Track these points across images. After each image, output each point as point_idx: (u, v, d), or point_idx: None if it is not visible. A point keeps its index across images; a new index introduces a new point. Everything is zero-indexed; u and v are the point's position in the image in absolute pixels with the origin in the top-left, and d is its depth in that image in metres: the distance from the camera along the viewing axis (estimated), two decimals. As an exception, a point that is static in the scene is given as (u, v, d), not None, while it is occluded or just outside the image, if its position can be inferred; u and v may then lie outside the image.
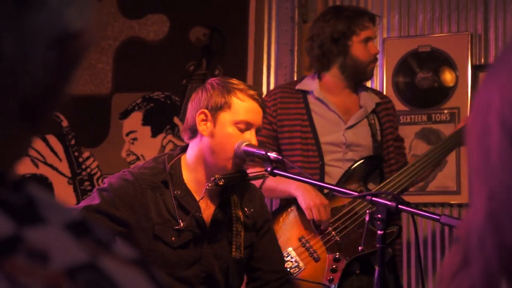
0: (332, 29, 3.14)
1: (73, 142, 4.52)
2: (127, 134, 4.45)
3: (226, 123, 2.35)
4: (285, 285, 2.53)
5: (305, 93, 3.19)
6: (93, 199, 2.30)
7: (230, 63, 4.32)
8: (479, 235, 0.70)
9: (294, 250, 2.97)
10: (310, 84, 3.20)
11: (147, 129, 4.43)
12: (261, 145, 3.05)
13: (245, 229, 2.47)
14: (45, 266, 0.47)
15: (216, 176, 2.32)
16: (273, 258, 2.55)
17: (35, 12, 0.53)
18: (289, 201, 3.08)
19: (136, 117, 4.45)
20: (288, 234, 2.91)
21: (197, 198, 2.39)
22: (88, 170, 4.48)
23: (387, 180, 3.10)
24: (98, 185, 4.45)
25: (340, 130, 3.15)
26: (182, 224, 2.35)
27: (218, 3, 4.39)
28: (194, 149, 2.41)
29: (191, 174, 2.41)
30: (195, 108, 2.39)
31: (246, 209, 2.48)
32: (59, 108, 0.58)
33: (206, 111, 2.36)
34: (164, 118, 4.40)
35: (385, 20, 4.19)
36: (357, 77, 3.18)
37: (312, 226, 3.01)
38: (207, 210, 2.43)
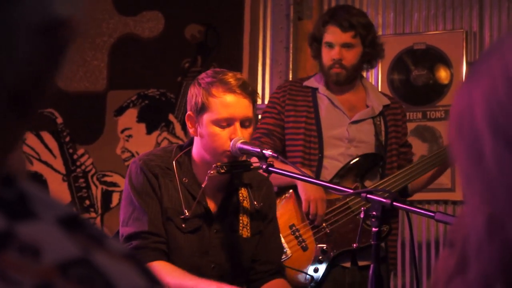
0: (311, 31, 3.28)
1: (67, 139, 4.51)
2: (122, 131, 4.44)
3: (207, 124, 2.35)
4: (275, 275, 2.54)
5: (314, 88, 3.24)
6: (139, 220, 2.37)
7: (225, 60, 4.32)
8: (477, 240, 0.69)
9: (283, 237, 2.99)
10: (317, 82, 3.24)
11: (142, 126, 4.43)
12: (256, 140, 3.09)
13: (252, 219, 2.49)
14: (37, 261, 0.47)
15: (218, 163, 2.33)
16: (272, 249, 2.56)
17: (19, 1, 0.52)
18: (286, 186, 3.10)
19: (131, 114, 4.44)
20: (280, 220, 2.92)
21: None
22: (83, 167, 4.48)
23: (384, 179, 3.11)
24: (93, 182, 4.45)
25: (344, 125, 3.18)
26: (187, 213, 2.38)
27: (213, 0, 4.39)
28: (195, 145, 2.45)
29: (197, 166, 2.44)
30: (188, 107, 2.42)
31: (255, 203, 2.50)
32: (48, 98, 0.56)
33: (191, 113, 2.39)
34: (159, 115, 4.40)
35: (380, 17, 4.19)
36: (332, 82, 3.20)
37: (305, 217, 3.04)
38: (214, 200, 2.46)
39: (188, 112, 2.40)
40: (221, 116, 2.33)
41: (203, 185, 2.39)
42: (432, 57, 4.10)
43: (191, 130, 2.41)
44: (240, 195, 2.49)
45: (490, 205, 0.69)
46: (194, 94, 2.37)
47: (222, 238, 2.44)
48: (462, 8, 4.09)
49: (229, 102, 2.33)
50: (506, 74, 0.69)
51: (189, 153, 2.46)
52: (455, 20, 4.10)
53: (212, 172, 2.34)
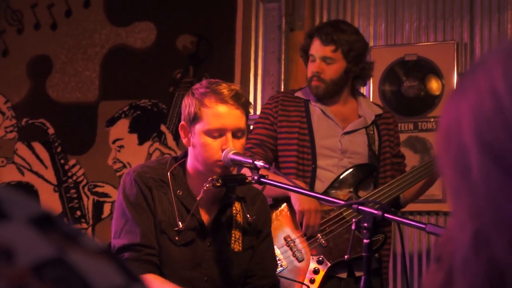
0: (302, 43, 3.28)
1: (59, 149, 4.50)
2: (114, 142, 4.43)
3: (199, 134, 2.35)
4: None
5: (306, 100, 3.23)
6: (132, 232, 2.37)
7: (217, 71, 4.32)
8: (464, 254, 0.69)
9: (278, 248, 2.98)
10: (308, 94, 3.23)
11: (134, 136, 4.42)
12: (248, 151, 3.09)
13: (245, 234, 2.48)
14: (10, 264, 0.46)
15: (214, 177, 2.33)
16: (267, 264, 2.56)
17: None
18: (278, 199, 3.10)
19: (123, 125, 4.44)
20: (274, 232, 2.92)
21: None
22: (74, 177, 4.46)
23: (376, 190, 3.11)
24: (84, 193, 4.43)
25: (336, 136, 3.17)
26: (181, 225, 2.38)
27: (205, 11, 4.40)
28: (189, 156, 2.45)
29: (192, 178, 2.44)
30: (181, 119, 2.43)
31: (248, 216, 2.50)
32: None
33: (184, 123, 2.40)
34: (151, 125, 4.40)
35: (371, 28, 4.20)
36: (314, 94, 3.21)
37: (300, 228, 3.04)
38: (208, 213, 2.45)
39: (182, 122, 2.40)
40: (213, 127, 2.33)
41: (198, 198, 2.39)
42: (424, 68, 4.12)
43: (184, 140, 2.41)
44: (234, 209, 2.48)
45: (477, 220, 0.68)
46: (187, 104, 2.37)
47: (215, 252, 2.44)
48: (453, 19, 4.10)
49: (221, 112, 2.33)
50: (492, 88, 0.69)
51: (183, 165, 2.45)
52: (446, 31, 4.11)
53: (207, 185, 2.33)
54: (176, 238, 2.39)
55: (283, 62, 4.26)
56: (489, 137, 0.67)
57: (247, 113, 2.40)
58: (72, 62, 4.55)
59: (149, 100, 4.42)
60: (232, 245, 2.45)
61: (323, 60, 3.13)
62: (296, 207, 3.01)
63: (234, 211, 2.48)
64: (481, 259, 0.68)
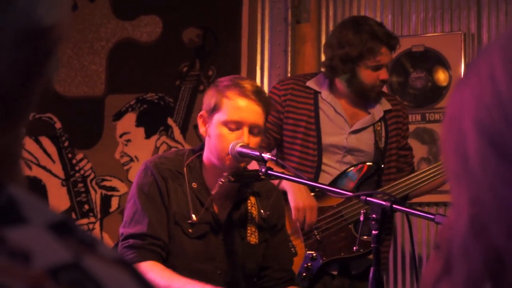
0: (343, 50, 3.07)
1: (66, 144, 4.50)
2: (121, 136, 4.43)
3: (217, 124, 2.37)
4: (288, 283, 2.54)
5: (317, 92, 3.17)
6: (140, 222, 2.38)
7: (224, 64, 4.31)
8: (462, 241, 0.69)
9: None
10: (320, 84, 3.18)
11: (141, 130, 4.42)
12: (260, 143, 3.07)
13: (260, 229, 2.49)
14: (27, 266, 0.47)
15: (228, 173, 2.35)
16: (283, 257, 2.56)
17: (3, 10, 0.52)
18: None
19: (130, 119, 4.43)
20: None
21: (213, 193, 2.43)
22: (82, 172, 4.47)
23: (382, 188, 3.07)
24: (92, 187, 4.44)
25: (344, 133, 3.13)
26: (195, 218, 2.38)
27: (211, 4, 4.38)
28: (205, 147, 2.46)
29: (207, 170, 2.45)
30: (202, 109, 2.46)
31: (262, 211, 2.50)
32: (36, 102, 0.57)
33: (204, 113, 2.41)
34: (157, 119, 4.39)
35: (378, 19, 4.17)
36: (361, 95, 3.15)
37: (295, 223, 3.02)
38: (223, 208, 2.46)
39: (202, 112, 2.43)
40: (231, 118, 2.34)
41: (212, 193, 2.40)
42: (431, 59, 4.10)
43: (201, 130, 2.43)
44: (249, 202, 2.48)
45: (475, 206, 0.69)
46: (210, 95, 2.40)
47: (229, 245, 2.44)
48: (460, 10, 4.08)
49: (241, 106, 2.35)
50: (491, 74, 0.69)
51: (200, 158, 2.47)
52: (453, 22, 4.09)
53: (222, 180, 2.35)
54: (190, 230, 2.39)
55: (289, 54, 4.24)
56: (487, 124, 0.68)
57: (267, 112, 2.40)
58: (78, 56, 4.54)
59: (156, 94, 4.41)
60: (249, 237, 2.46)
61: (386, 66, 3.13)
62: (292, 204, 2.96)
63: (249, 205, 2.48)
64: (480, 246, 0.68)
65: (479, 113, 0.69)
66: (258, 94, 2.37)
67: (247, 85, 2.37)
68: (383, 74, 3.08)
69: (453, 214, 0.72)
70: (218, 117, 2.36)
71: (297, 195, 2.96)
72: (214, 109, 2.37)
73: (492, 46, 0.72)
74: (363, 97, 3.16)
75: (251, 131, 2.36)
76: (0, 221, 0.48)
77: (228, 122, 2.35)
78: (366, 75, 3.08)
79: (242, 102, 2.35)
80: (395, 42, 3.10)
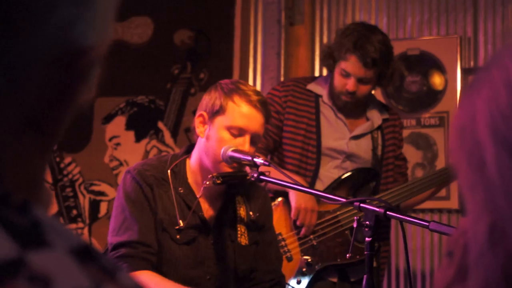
0: (329, 47, 3.13)
1: (54, 147, 4.44)
2: (110, 139, 4.37)
3: (220, 127, 2.35)
4: (277, 286, 2.52)
5: (318, 95, 3.16)
6: (130, 229, 2.36)
7: (216, 66, 4.26)
8: (479, 248, 0.69)
9: None
10: (321, 87, 3.16)
11: (131, 134, 4.36)
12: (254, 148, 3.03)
13: (249, 229, 2.48)
14: None
15: (214, 174, 2.32)
16: (271, 259, 2.54)
17: (30, 34, 0.51)
18: (277, 193, 3.04)
19: (120, 122, 4.37)
20: None
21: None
22: (70, 176, 4.40)
23: (381, 194, 3.06)
24: (80, 191, 4.37)
25: (344, 138, 3.12)
26: (182, 223, 2.37)
27: (203, 5, 4.33)
28: (196, 150, 2.44)
29: (193, 175, 2.43)
30: (198, 110, 2.42)
31: (251, 213, 2.49)
32: (68, 123, 0.57)
33: (204, 113, 2.38)
34: (148, 122, 4.34)
35: (373, 22, 4.13)
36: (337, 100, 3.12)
37: (293, 226, 3.00)
38: (210, 210, 2.44)
39: (201, 112, 2.39)
40: (236, 124, 2.33)
41: (198, 196, 2.39)
42: (426, 63, 4.06)
43: (197, 130, 2.40)
44: (237, 202, 2.47)
45: (493, 214, 0.69)
46: (213, 97, 2.38)
47: (220, 248, 2.43)
48: (456, 13, 4.04)
49: (247, 113, 2.34)
50: (507, 82, 0.70)
51: (184, 162, 2.45)
52: (449, 25, 4.05)
53: (207, 183, 2.33)
54: (177, 236, 2.38)
55: (282, 57, 4.20)
56: (504, 130, 0.69)
57: (267, 123, 2.42)
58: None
59: (146, 97, 4.36)
60: (239, 238, 2.44)
61: (359, 80, 3.02)
62: (293, 204, 2.98)
63: (237, 206, 2.46)
64: (497, 253, 0.68)
65: (495, 121, 0.69)
66: (262, 103, 2.38)
67: (252, 93, 2.37)
68: (350, 84, 3.02)
69: (469, 222, 0.72)
70: (221, 120, 2.34)
71: (299, 196, 2.96)
72: (218, 112, 2.35)
73: (504, 54, 0.72)
74: (360, 104, 3.13)
75: (251, 140, 2.36)
76: (23, 244, 0.48)
77: (231, 127, 2.33)
78: (337, 79, 3.07)
79: (249, 109, 2.34)
80: (368, 58, 2.96)
